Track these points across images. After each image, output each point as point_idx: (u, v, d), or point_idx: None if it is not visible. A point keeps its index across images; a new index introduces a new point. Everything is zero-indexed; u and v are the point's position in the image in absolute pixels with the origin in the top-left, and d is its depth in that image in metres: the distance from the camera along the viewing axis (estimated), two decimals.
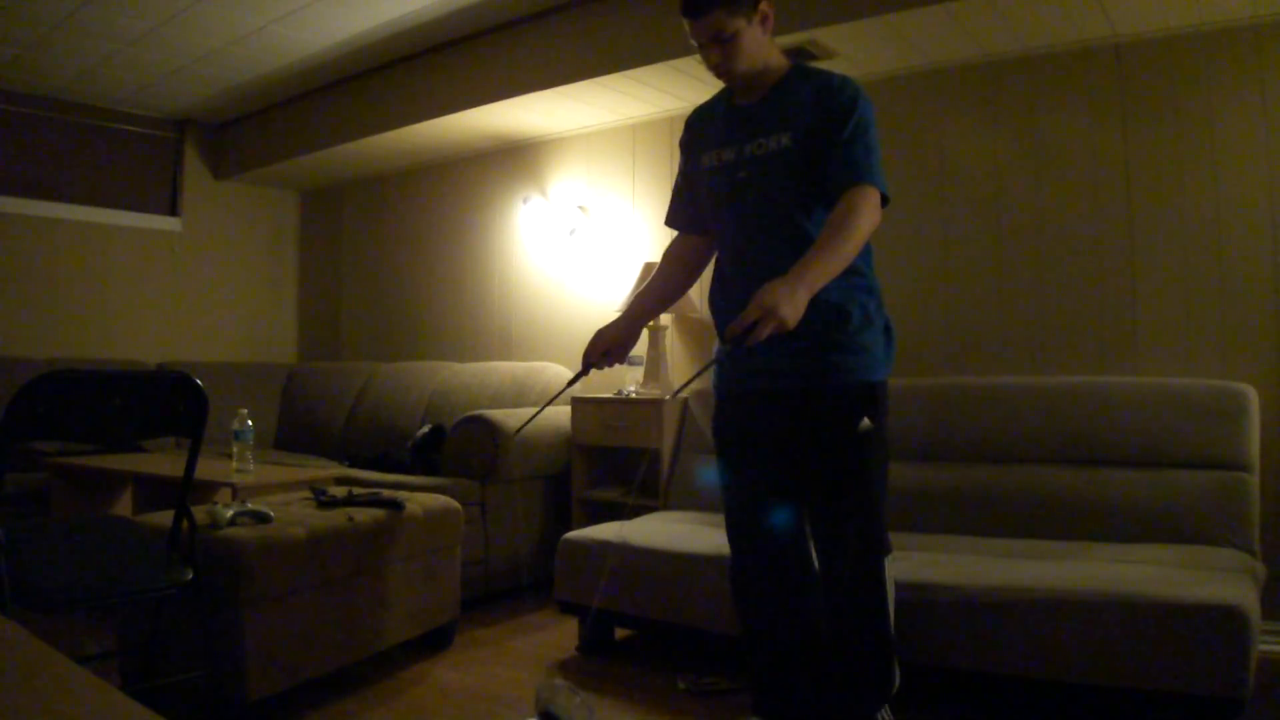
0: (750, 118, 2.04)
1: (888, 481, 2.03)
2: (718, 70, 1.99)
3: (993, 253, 3.35)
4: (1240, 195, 2.92)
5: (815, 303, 1.80)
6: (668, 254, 2.29)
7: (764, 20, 1.96)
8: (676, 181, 2.27)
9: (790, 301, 1.70)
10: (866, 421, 1.93)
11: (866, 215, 1.84)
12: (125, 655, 2.57)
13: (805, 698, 2.11)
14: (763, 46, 1.98)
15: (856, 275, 1.96)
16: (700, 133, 2.17)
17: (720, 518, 3.12)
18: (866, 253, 2.02)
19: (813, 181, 1.95)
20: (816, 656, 2.10)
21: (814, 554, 2.09)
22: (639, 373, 3.89)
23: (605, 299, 4.31)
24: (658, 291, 2.28)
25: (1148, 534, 2.60)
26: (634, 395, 3.73)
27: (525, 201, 4.67)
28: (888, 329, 2.05)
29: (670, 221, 2.30)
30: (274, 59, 4.46)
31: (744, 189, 2.02)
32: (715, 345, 2.20)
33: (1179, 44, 3.02)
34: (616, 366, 2.26)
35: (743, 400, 2.10)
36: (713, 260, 2.25)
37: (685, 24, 1.95)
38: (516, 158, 4.82)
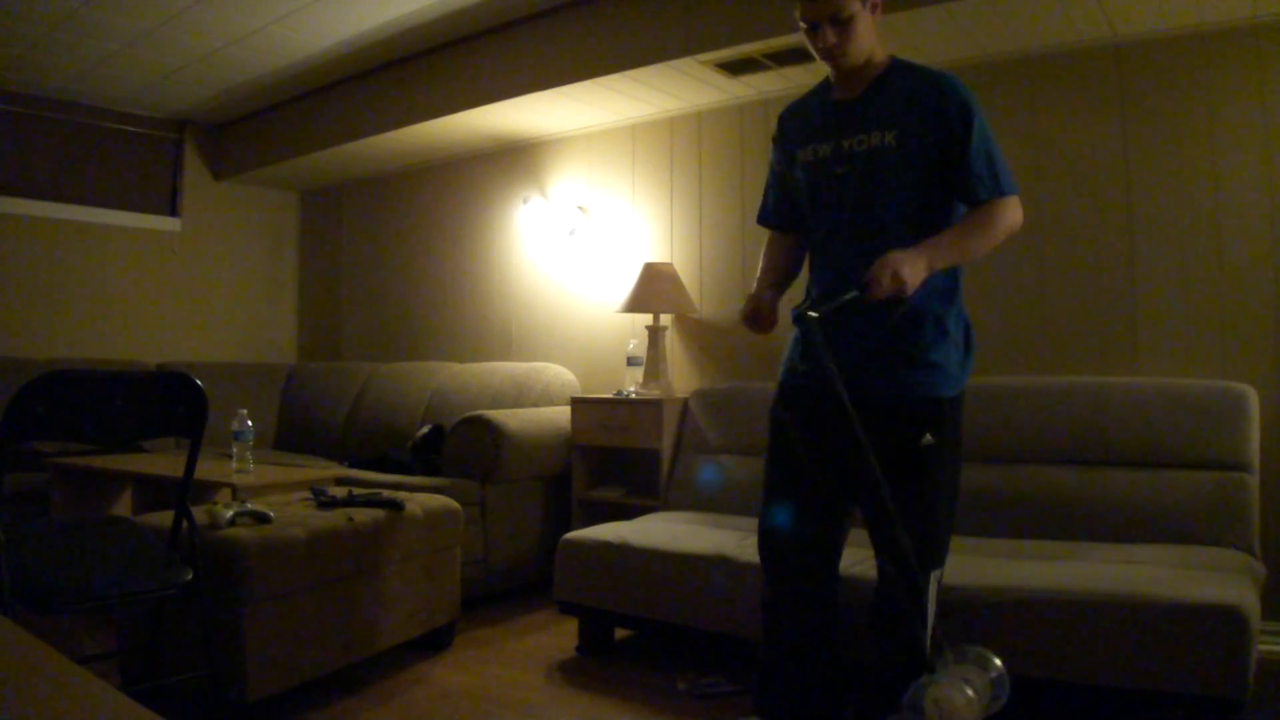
0: (849, 112, 1.99)
1: (957, 496, 2.01)
2: (830, 54, 1.93)
3: (992, 252, 3.34)
4: (1240, 195, 2.91)
5: (892, 303, 1.81)
6: (771, 253, 2.21)
7: (874, 8, 1.93)
8: (769, 177, 2.22)
9: (911, 265, 1.75)
10: (929, 437, 1.90)
11: (1007, 219, 1.91)
12: (125, 655, 2.58)
13: (808, 700, 2.10)
14: (872, 34, 1.94)
15: (944, 279, 1.93)
16: (795, 127, 2.12)
17: (720, 518, 3.17)
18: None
19: (910, 183, 1.93)
20: (827, 665, 2.10)
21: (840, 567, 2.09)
22: (639, 373, 3.88)
23: (605, 299, 4.31)
24: (780, 269, 2.19)
25: (1148, 534, 2.60)
26: (634, 395, 3.73)
27: (525, 201, 4.67)
28: (967, 339, 2.01)
29: (763, 219, 2.25)
30: (274, 59, 4.46)
31: (841, 184, 1.98)
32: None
33: (1179, 44, 3.02)
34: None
35: (810, 400, 2.03)
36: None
37: (797, 6, 1.90)
38: (516, 158, 4.82)
